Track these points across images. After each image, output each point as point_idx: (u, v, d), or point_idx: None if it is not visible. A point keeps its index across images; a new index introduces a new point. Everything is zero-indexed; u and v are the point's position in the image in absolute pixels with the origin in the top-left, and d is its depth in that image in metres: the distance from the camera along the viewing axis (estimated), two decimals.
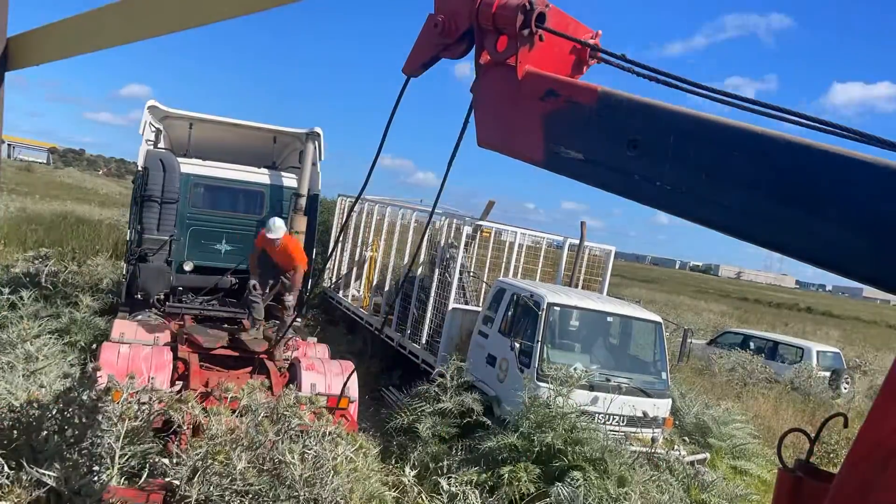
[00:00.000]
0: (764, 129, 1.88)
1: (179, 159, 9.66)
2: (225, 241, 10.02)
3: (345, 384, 7.13)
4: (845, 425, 2.21)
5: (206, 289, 10.05)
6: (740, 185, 1.85)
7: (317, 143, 9.95)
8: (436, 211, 11.73)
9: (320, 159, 10.14)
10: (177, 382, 7.25)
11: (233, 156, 10.36)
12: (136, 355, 7.02)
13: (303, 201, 9.78)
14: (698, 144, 1.92)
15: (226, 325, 9.35)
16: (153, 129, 9.98)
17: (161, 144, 10.48)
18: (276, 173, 10.32)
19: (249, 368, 8.18)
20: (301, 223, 9.69)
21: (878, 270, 1.65)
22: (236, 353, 8.29)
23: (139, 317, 9.06)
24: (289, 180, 10.17)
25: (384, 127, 2.94)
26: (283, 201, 10.10)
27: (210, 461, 4.71)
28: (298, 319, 10.13)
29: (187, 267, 9.82)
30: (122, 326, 8.26)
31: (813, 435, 2.29)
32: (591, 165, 2.16)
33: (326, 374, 7.61)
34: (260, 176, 10.15)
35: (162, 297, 9.67)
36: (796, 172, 1.73)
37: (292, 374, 7.84)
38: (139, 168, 9.60)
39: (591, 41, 2.44)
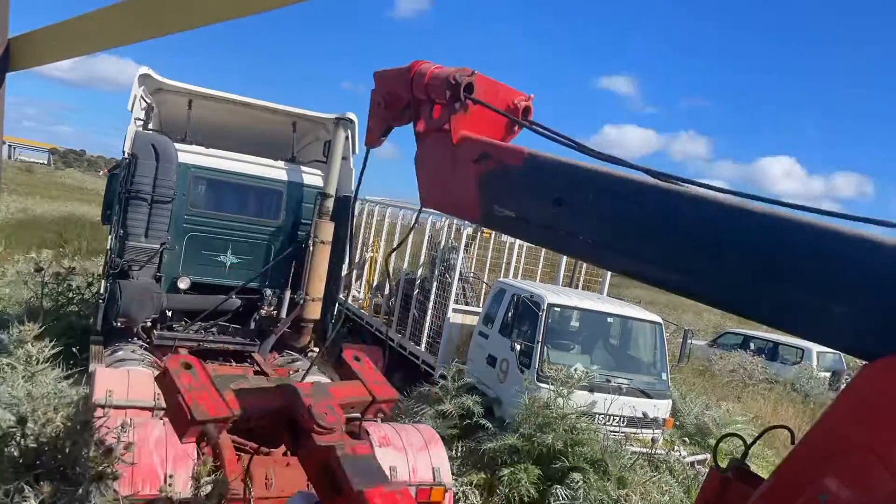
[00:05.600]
0: (671, 185, 1.98)
1: (176, 145, 7.45)
2: (230, 252, 7.88)
3: (433, 465, 5.19)
4: (792, 442, 2.28)
5: (205, 312, 7.81)
6: (654, 238, 1.94)
7: (350, 131, 7.95)
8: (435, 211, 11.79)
9: (353, 153, 8.08)
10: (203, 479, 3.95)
11: (242, 144, 8.28)
12: (144, 441, 4.28)
13: (330, 204, 7.77)
14: (614, 200, 2.03)
15: (232, 361, 7.78)
16: (144, 104, 7.75)
17: (152, 125, 8.12)
18: (297, 168, 8.14)
19: None
20: (327, 231, 7.74)
21: (769, 312, 1.76)
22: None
23: (119, 353, 6.99)
24: (312, 177, 8.09)
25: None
26: (305, 203, 7.99)
27: None
28: (315, 349, 8.18)
29: (182, 284, 7.66)
30: (107, 379, 5.50)
31: (749, 441, 2.39)
32: (523, 222, 2.28)
33: (407, 451, 5.26)
34: (277, 171, 7.99)
35: (149, 324, 7.52)
36: (701, 223, 1.85)
37: None
38: (125, 154, 7.31)
39: (524, 103, 2.58)
